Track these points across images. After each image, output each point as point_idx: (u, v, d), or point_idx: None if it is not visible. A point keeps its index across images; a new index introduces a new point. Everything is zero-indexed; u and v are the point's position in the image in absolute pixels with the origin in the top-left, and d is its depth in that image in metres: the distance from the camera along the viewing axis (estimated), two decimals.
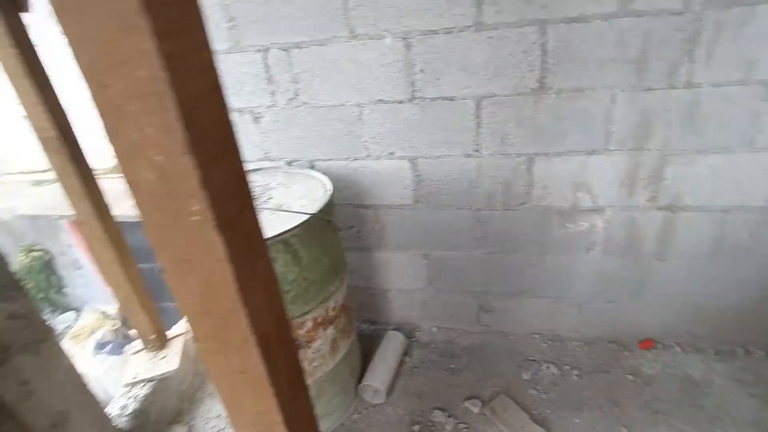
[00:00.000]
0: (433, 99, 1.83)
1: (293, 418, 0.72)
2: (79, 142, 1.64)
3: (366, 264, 2.36)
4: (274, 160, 2.13)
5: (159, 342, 2.06)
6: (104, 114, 0.46)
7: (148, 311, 1.97)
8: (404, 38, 1.72)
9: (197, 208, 0.50)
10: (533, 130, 1.82)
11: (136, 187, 0.50)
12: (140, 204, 0.52)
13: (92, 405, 1.61)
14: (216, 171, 0.51)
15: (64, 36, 0.43)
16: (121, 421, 1.76)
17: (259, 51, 1.87)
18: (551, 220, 2.01)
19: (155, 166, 0.48)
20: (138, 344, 2.10)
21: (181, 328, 2.25)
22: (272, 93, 1.95)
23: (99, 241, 1.77)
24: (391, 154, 1.98)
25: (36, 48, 1.49)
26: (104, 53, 0.43)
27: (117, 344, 3.09)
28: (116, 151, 0.48)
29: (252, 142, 2.11)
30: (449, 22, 1.67)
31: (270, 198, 1.82)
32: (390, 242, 2.25)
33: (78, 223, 1.73)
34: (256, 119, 2.04)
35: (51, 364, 1.47)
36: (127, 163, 0.49)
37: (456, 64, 1.74)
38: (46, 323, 1.47)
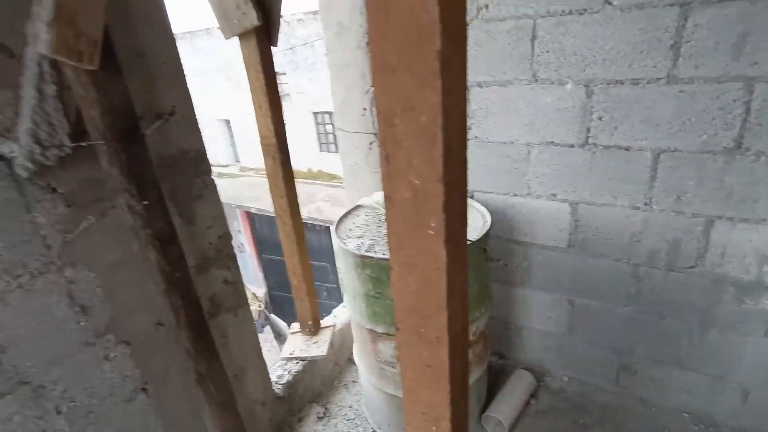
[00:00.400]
0: (607, 147, 1.79)
1: (457, 417, 0.81)
2: (289, 152, 2.02)
3: (506, 298, 2.35)
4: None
5: (314, 328, 2.35)
6: (385, 143, 0.62)
7: (310, 299, 2.28)
8: (586, 85, 1.74)
9: (434, 224, 0.63)
10: (718, 191, 1.65)
11: (391, 200, 0.66)
12: (390, 213, 0.67)
13: (262, 367, 1.93)
14: (454, 196, 0.63)
15: (371, 86, 0.60)
16: (276, 387, 2.06)
17: None
18: (724, 291, 1.77)
19: (412, 187, 0.63)
20: (296, 326, 2.43)
21: (331, 320, 2.53)
22: None
23: (287, 235, 2.12)
24: (553, 195, 1.98)
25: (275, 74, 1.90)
26: (400, 101, 0.59)
27: (259, 323, 3.58)
28: (386, 171, 0.64)
29: None
30: (638, 73, 1.63)
31: None
32: (535, 281, 2.22)
33: (277, 216, 2.09)
34: None
35: (243, 327, 1.81)
36: (392, 181, 0.64)
37: (638, 115, 1.69)
38: (244, 292, 1.83)
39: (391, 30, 0.54)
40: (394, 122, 0.60)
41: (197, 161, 1.54)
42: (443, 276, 0.67)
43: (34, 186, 1.10)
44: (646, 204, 1.79)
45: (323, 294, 10.05)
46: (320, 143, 14.26)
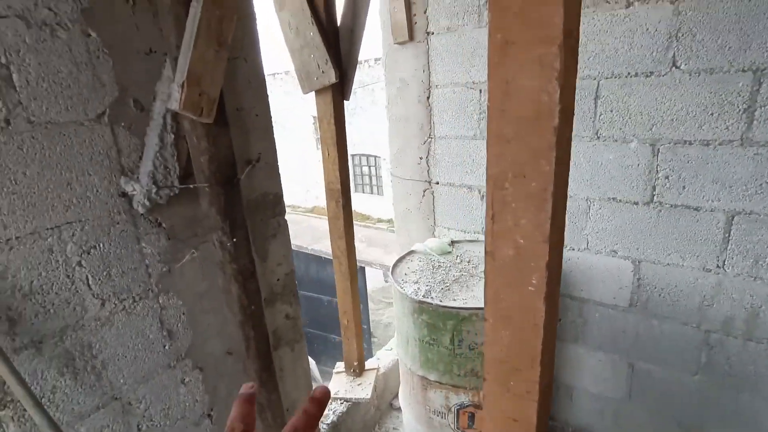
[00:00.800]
0: (674, 206, 1.77)
1: None
2: (350, 197, 2.12)
3: (557, 355, 2.28)
4: None
5: (359, 370, 2.36)
6: (493, 204, 0.68)
7: (358, 341, 2.31)
8: (652, 144, 1.76)
9: (536, 281, 0.67)
10: None
11: (493, 256, 0.71)
12: (491, 268, 0.72)
13: None
14: (555, 256, 0.67)
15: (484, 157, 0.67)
16: (321, 426, 2.07)
17: None
18: None
19: (516, 246, 0.67)
20: (341, 366, 2.44)
21: (374, 363, 2.53)
22: None
23: (343, 275, 2.20)
24: (613, 251, 1.96)
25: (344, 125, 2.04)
26: (513, 167, 0.65)
27: None
28: (491, 228, 0.70)
29: (473, 216, 2.35)
30: (708, 134, 1.64)
31: None
32: (590, 340, 2.15)
33: (334, 257, 2.18)
34: (483, 197, 2.29)
35: (298, 361, 1.86)
36: (496, 239, 0.69)
37: (708, 175, 1.68)
38: (302, 328, 1.89)
39: (509, 106, 0.61)
40: (504, 186, 0.66)
41: (275, 203, 1.66)
42: (540, 331, 0.70)
43: (145, 221, 1.23)
44: (718, 267, 1.73)
45: (335, 330, 9.93)
46: (355, 184, 14.63)
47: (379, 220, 14.88)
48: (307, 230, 12.76)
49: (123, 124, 1.16)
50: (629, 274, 1.94)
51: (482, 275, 1.95)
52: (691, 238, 1.77)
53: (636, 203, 1.85)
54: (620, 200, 1.88)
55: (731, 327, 1.76)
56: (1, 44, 0.93)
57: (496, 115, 0.63)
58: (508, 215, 0.67)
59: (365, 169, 14.97)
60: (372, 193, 15.16)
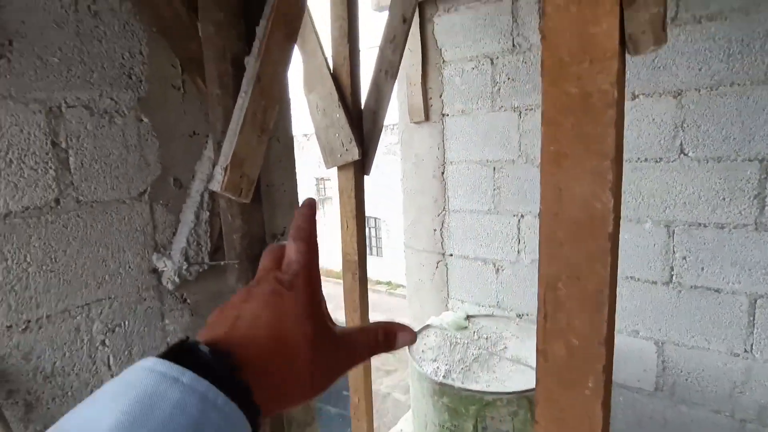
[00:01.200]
0: (694, 287, 1.77)
1: None
2: (367, 270, 2.13)
3: None
4: (504, 309, 2.30)
5: None
6: (545, 304, 0.69)
7: (368, 421, 2.19)
8: (666, 226, 1.79)
9: (592, 385, 0.66)
10: None
11: (545, 356, 0.70)
12: (542, 367, 0.70)
13: None
14: (611, 359, 0.67)
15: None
16: None
17: (514, 216, 2.19)
18: None
19: (570, 346, 0.67)
20: None
21: None
22: (518, 251, 2.20)
23: (353, 309, 2.14)
24: (635, 332, 1.92)
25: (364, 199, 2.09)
26: (566, 269, 0.66)
27: None
28: (543, 327, 0.69)
29: (488, 290, 2.34)
30: (722, 218, 1.68)
31: (505, 348, 1.94)
32: (616, 426, 2.05)
33: None
34: (498, 270, 2.29)
35: None
36: (548, 338, 0.69)
37: (726, 258, 1.70)
38: (314, 410, 1.80)
39: (563, 211, 0.64)
40: (557, 286, 0.67)
41: None
42: None
43: (172, 297, 1.22)
44: (746, 351, 1.70)
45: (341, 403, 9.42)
46: None
47: (379, 282, 14.69)
48: None
49: (162, 201, 1.19)
50: (653, 355, 1.90)
51: (502, 355, 1.90)
52: (715, 321, 1.74)
53: (655, 283, 1.85)
54: (638, 279, 1.88)
55: (767, 417, 1.69)
56: (65, 131, 0.99)
57: (549, 219, 0.65)
58: (561, 315, 0.67)
59: (370, 231, 15.08)
60: (372, 254, 15.13)
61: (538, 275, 0.69)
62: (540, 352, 0.70)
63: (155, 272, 1.18)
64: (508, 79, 2.09)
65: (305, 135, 14.20)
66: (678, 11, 1.71)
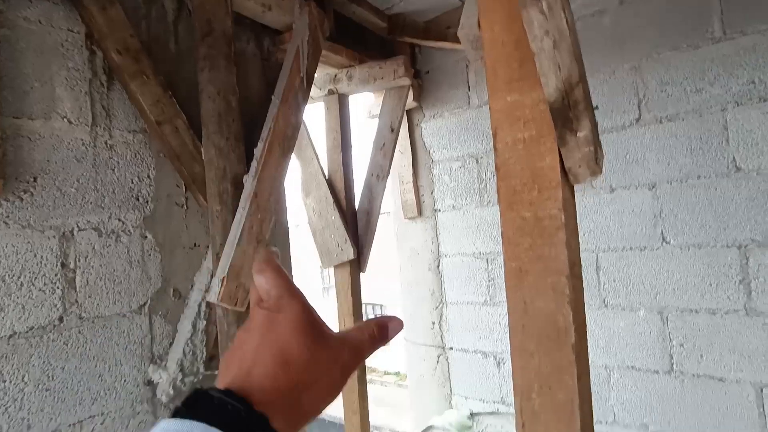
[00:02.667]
0: (696, 375, 1.73)
1: None
2: (365, 369, 2.09)
3: None
4: (509, 406, 2.21)
5: None
6: (522, 413, 0.71)
7: None
8: (659, 312, 1.81)
9: None
10: None
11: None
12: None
13: None
14: None
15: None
16: None
17: None
18: None
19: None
20: None
21: None
22: None
23: (353, 410, 2.03)
24: (644, 426, 1.84)
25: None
26: (538, 379, 0.69)
27: None
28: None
29: (491, 384, 2.27)
30: (712, 303, 1.70)
31: None
32: None
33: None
34: (498, 363, 2.25)
35: None
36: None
37: (723, 345, 1.68)
38: None
39: (529, 323, 0.69)
40: (531, 396, 0.70)
41: None
42: None
43: (165, 409, 1.22)
44: None
45: None
46: None
47: (386, 373, 13.97)
48: None
49: (160, 312, 1.24)
50: None
51: None
52: (725, 413, 1.68)
53: (657, 372, 1.81)
54: (639, 368, 1.85)
55: None
56: (75, 252, 1.07)
57: (518, 331, 0.70)
58: (537, 425, 0.69)
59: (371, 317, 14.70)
60: None
61: (513, 386, 0.72)
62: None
63: (150, 384, 1.19)
64: (493, 176, 2.24)
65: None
66: (641, 113, 1.89)
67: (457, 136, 2.34)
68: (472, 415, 2.18)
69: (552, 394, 0.68)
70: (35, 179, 1.04)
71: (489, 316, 2.28)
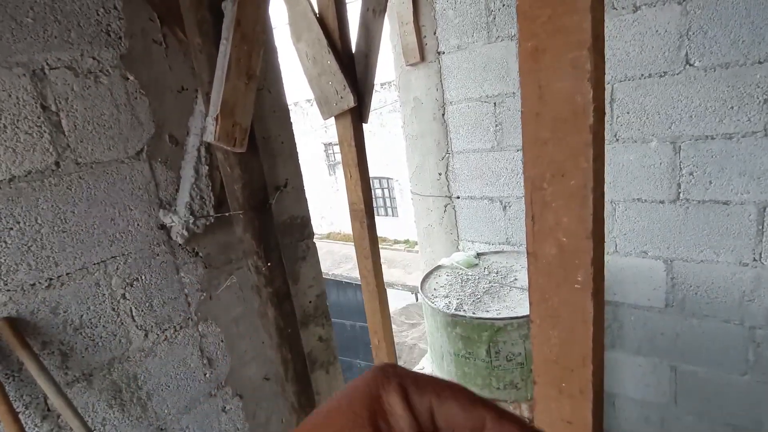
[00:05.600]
0: (701, 202, 1.75)
1: None
2: (374, 217, 2.15)
3: None
4: (514, 245, 2.32)
5: None
6: (533, 205, 0.70)
7: (390, 360, 2.29)
8: (672, 142, 1.75)
9: (581, 278, 0.68)
10: None
11: (536, 256, 0.72)
12: (534, 269, 0.72)
13: None
14: (599, 251, 0.68)
15: (521, 149, 0.69)
16: None
17: (518, 150, 2.16)
18: None
19: (559, 244, 0.68)
20: None
21: None
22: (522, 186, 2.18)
23: (371, 294, 2.20)
24: (643, 252, 1.93)
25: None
26: (550, 168, 0.66)
27: None
28: (531, 229, 0.71)
29: (496, 228, 2.35)
30: (730, 128, 1.63)
31: (515, 279, 1.98)
32: (628, 344, 2.10)
33: (361, 277, 2.19)
34: (504, 207, 2.29)
35: (333, 383, 1.85)
36: (537, 239, 0.70)
37: (734, 168, 1.66)
38: (335, 349, 1.89)
39: (544, 109, 0.64)
40: (543, 186, 0.68)
41: (302, 226, 1.69)
42: (590, 328, 0.70)
43: (183, 251, 1.27)
44: (755, 260, 1.70)
45: (359, 355, 9.81)
46: None
47: (396, 242, 14.85)
48: (326, 255, 12.81)
49: (160, 159, 1.22)
50: (662, 274, 1.91)
51: (512, 285, 1.94)
52: (724, 233, 1.74)
53: (662, 202, 1.83)
54: (645, 200, 1.87)
55: None
56: (52, 93, 1.00)
57: (531, 119, 0.65)
58: (548, 215, 0.68)
59: (378, 192, 15.07)
60: (387, 215, 15.20)
61: (524, 178, 0.69)
62: (531, 255, 0.72)
63: (164, 228, 1.22)
64: (503, 5, 2.00)
65: (308, 100, 13.95)
66: None
67: None
68: (479, 255, 2.31)
69: (564, 181, 0.66)
70: None
71: (496, 162, 2.25)
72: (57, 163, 1.03)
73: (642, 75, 1.75)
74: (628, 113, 1.82)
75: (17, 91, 0.96)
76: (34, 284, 1.00)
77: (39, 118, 0.99)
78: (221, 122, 1.12)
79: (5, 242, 0.95)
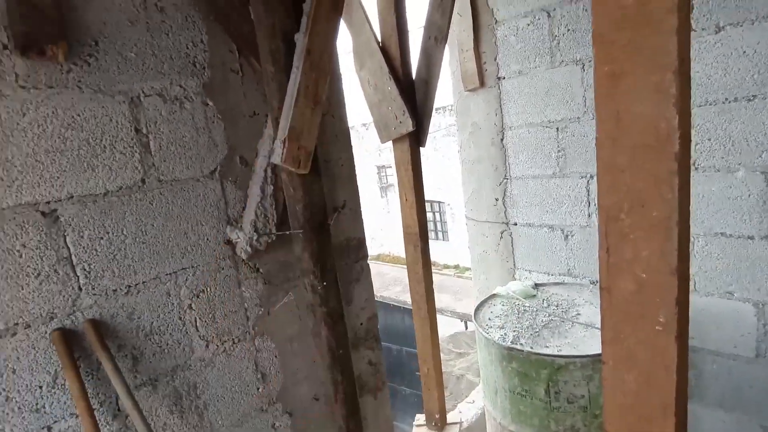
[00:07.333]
0: None
1: None
2: (428, 241, 2.13)
3: None
4: (576, 277, 2.19)
5: (440, 423, 2.25)
6: (608, 237, 0.65)
7: (439, 391, 2.22)
8: (763, 172, 1.60)
9: (663, 319, 0.62)
10: None
11: (610, 292, 0.67)
12: (608, 305, 0.67)
13: None
14: (684, 289, 0.62)
15: (594, 178, 0.65)
16: None
17: (582, 177, 2.07)
18: None
19: (638, 280, 0.63)
20: (421, 418, 2.35)
21: (456, 416, 2.41)
22: (589, 215, 2.08)
23: (422, 320, 2.16)
24: (728, 293, 1.75)
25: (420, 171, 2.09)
26: (629, 197, 0.62)
27: None
28: (606, 263, 0.66)
29: (557, 257, 2.25)
30: None
31: (578, 314, 1.86)
32: (708, 396, 1.89)
33: (413, 301, 2.17)
34: (566, 237, 2.19)
35: (381, 410, 1.82)
36: (612, 273, 0.66)
37: None
38: (384, 374, 1.86)
39: (622, 135, 0.60)
40: (619, 217, 0.63)
41: (358, 248, 1.71)
42: (672, 375, 0.63)
43: (245, 266, 1.32)
44: None
45: (404, 381, 9.52)
46: None
47: (446, 266, 14.61)
48: (375, 277, 12.77)
49: (230, 178, 1.29)
50: (752, 318, 1.71)
51: (574, 320, 1.83)
52: None
53: (751, 238, 1.66)
54: (731, 235, 1.70)
55: None
56: (144, 117, 1.10)
57: (608, 145, 0.62)
58: (626, 247, 0.64)
59: (429, 215, 15.01)
60: (437, 239, 15.05)
61: (598, 208, 0.65)
62: (604, 290, 0.67)
63: (229, 243, 1.29)
64: (568, 30, 1.96)
65: (364, 125, 14.36)
66: None
67: None
68: (537, 286, 2.20)
69: (645, 212, 0.61)
70: (96, 43, 1.03)
71: (557, 188, 2.17)
72: (143, 180, 1.12)
73: (726, 99, 1.63)
74: (709, 140, 1.69)
75: (117, 116, 1.07)
76: (115, 290, 1.08)
77: (132, 139, 1.09)
78: (288, 145, 1.17)
79: (96, 250, 1.04)
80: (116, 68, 1.07)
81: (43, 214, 0.98)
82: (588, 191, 2.05)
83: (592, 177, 2.03)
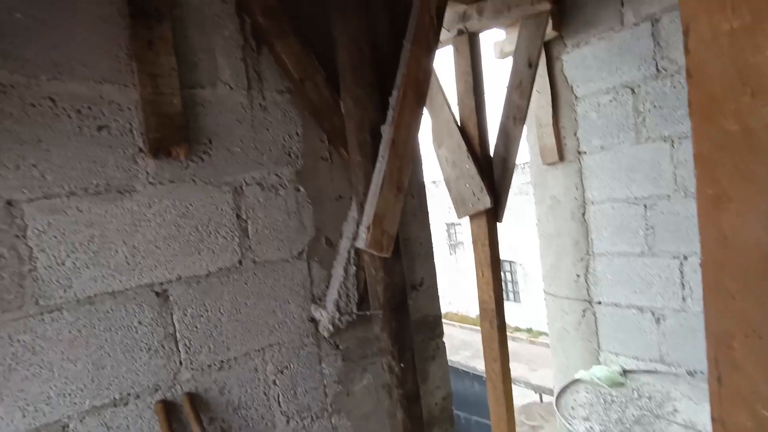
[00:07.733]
0: None
1: None
2: (505, 318, 2.06)
3: None
4: (670, 365, 1.97)
5: None
6: (717, 364, 0.61)
7: None
8: None
9: None
10: None
11: (723, 425, 0.61)
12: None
13: None
14: None
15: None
16: None
17: (675, 258, 1.91)
18: None
19: (757, 417, 0.57)
20: None
21: None
22: (683, 298, 1.90)
23: (497, 399, 2.05)
24: None
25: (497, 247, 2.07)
26: (741, 325, 0.58)
27: None
28: (717, 392, 0.61)
29: (647, 342, 2.05)
30: None
31: (675, 410, 1.66)
32: None
33: (488, 379, 2.07)
34: (658, 320, 2.00)
35: None
36: (725, 404, 0.60)
37: None
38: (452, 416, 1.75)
39: (730, 260, 0.58)
40: (731, 345, 0.59)
41: (434, 325, 1.70)
42: None
43: (327, 343, 1.37)
44: None
45: None
46: None
47: (517, 329, 13.75)
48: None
49: (316, 258, 1.37)
50: None
51: (671, 419, 1.62)
52: None
53: None
54: None
55: None
56: (244, 205, 1.24)
57: (713, 269, 0.59)
58: (740, 380, 0.58)
59: (505, 275, 14.46)
60: (508, 299, 14.35)
61: (706, 332, 0.61)
62: (717, 422, 0.61)
63: (313, 321, 1.35)
64: (654, 107, 1.92)
65: (434, 182, 14.59)
66: None
67: (607, 65, 2.04)
68: (625, 372, 2.01)
69: (762, 343, 0.56)
70: (210, 141, 1.20)
71: (646, 268, 2.02)
72: (240, 262, 1.23)
73: None
74: None
75: (222, 205, 1.21)
76: (210, 365, 1.17)
77: (233, 225, 1.22)
78: (372, 231, 1.24)
79: (196, 327, 1.15)
80: (224, 162, 1.22)
81: (157, 294, 1.11)
82: (681, 273, 1.89)
83: (686, 257, 1.87)
